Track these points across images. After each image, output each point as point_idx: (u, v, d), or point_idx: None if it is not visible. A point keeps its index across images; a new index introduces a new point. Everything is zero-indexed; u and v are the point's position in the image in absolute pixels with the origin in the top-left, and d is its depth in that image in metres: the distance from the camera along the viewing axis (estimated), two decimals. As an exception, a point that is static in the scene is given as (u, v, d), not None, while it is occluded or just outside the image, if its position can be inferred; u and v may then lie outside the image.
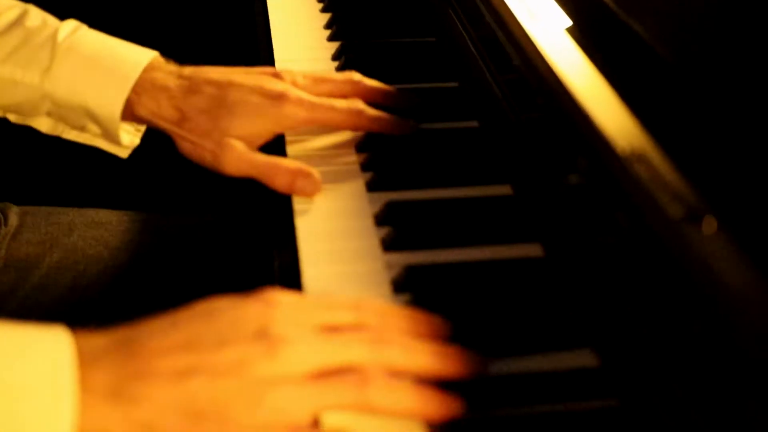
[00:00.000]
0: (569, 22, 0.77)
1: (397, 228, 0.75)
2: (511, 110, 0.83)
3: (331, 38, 1.09)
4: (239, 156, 0.83)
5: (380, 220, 0.78)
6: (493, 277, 0.70)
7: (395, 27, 1.10)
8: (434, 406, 0.58)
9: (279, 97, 0.84)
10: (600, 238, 0.63)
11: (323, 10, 1.16)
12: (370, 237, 0.76)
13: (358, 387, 0.57)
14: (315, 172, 0.81)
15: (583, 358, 0.62)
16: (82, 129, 0.94)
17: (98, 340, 0.56)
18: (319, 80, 0.88)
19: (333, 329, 0.60)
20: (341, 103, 0.85)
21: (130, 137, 0.94)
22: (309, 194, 0.80)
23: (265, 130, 0.85)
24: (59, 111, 0.91)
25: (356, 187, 0.82)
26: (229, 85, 0.85)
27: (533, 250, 0.73)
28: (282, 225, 0.79)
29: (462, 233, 0.75)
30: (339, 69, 1.02)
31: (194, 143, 0.85)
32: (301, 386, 0.56)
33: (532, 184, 0.77)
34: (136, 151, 0.98)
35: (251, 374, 0.55)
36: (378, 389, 0.57)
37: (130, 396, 0.54)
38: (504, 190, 0.81)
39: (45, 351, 0.54)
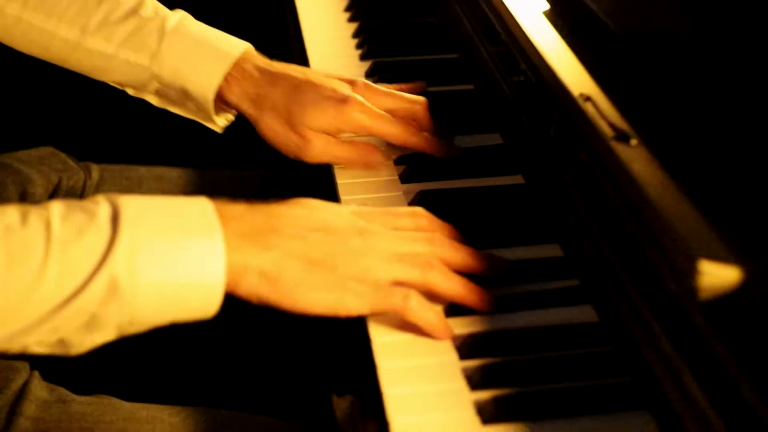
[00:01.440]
0: (546, 6, 0.99)
1: (411, 165, 0.98)
2: (500, 75, 1.05)
3: (351, 19, 1.31)
4: (321, 150, 0.95)
5: (397, 160, 1.00)
6: (487, 197, 0.93)
7: (403, 10, 1.32)
8: (476, 296, 0.77)
9: (345, 100, 0.94)
10: (563, 167, 0.85)
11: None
12: (390, 173, 0.98)
13: (423, 268, 0.76)
14: (381, 159, 0.97)
15: (552, 251, 0.85)
16: (182, 106, 1.04)
17: (237, 206, 0.74)
18: (383, 93, 0.98)
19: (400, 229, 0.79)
20: (399, 121, 0.96)
21: (224, 114, 1.04)
22: None
23: (331, 126, 0.95)
24: (164, 89, 1.02)
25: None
26: (307, 82, 0.96)
27: (517, 179, 0.96)
28: (325, 179, 1.00)
29: (462, 168, 0.97)
30: (359, 45, 1.24)
31: (277, 132, 0.96)
32: (383, 259, 0.75)
33: (516, 131, 1.00)
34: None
35: (350, 244, 0.75)
36: (437, 273, 0.76)
37: (266, 243, 0.73)
38: (495, 138, 1.03)
39: (196, 207, 0.71)
